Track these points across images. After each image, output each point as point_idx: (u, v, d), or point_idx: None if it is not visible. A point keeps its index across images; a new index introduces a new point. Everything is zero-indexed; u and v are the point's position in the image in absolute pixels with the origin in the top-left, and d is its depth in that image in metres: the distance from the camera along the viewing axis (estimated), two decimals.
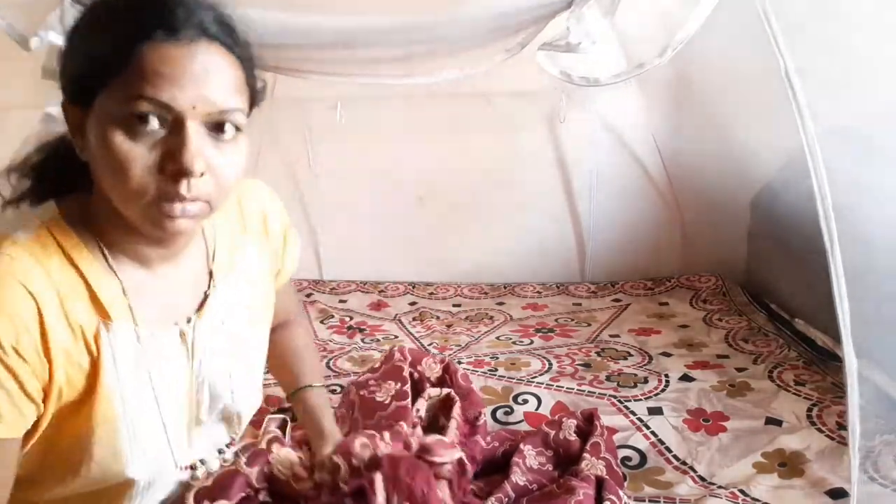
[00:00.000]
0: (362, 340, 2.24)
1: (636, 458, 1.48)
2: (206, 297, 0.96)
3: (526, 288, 2.69)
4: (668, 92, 2.50)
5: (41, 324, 0.77)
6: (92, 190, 0.83)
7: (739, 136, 2.19)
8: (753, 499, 1.35)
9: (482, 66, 1.24)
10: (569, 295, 2.61)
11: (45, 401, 0.80)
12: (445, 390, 1.47)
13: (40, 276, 0.77)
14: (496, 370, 1.92)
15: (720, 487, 1.39)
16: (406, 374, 1.48)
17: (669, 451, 1.53)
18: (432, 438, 1.14)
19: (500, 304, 2.57)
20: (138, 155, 0.74)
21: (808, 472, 1.41)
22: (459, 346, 2.13)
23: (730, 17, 1.35)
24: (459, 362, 1.98)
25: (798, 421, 1.59)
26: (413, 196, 2.72)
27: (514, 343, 2.14)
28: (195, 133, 0.75)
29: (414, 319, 2.44)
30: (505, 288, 2.70)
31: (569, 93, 2.51)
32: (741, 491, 1.37)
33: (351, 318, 2.46)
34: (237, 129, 0.80)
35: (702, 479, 1.41)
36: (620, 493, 1.25)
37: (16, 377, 0.76)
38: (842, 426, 1.53)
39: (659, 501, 1.34)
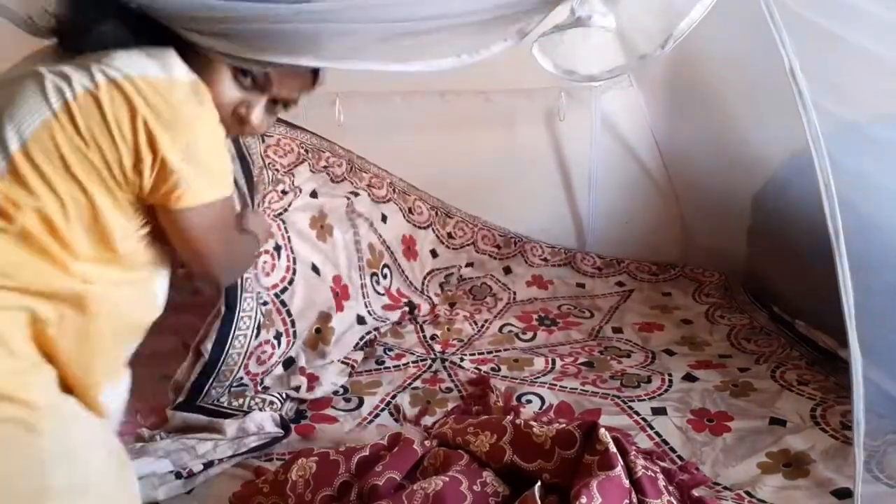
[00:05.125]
0: None
1: None
2: None
3: (536, 249, 2.61)
4: (667, 89, 2.49)
5: None
6: None
7: (740, 134, 2.18)
8: (759, 500, 1.36)
9: (480, 55, 1.21)
10: (574, 269, 2.57)
11: None
12: None
13: None
14: (499, 369, 1.92)
15: (725, 489, 1.40)
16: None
17: (674, 451, 1.53)
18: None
19: (507, 270, 2.53)
20: None
21: (813, 473, 1.42)
22: (462, 341, 2.11)
23: (731, 11, 1.34)
24: (462, 359, 1.97)
25: (802, 421, 1.59)
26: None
27: (516, 337, 2.13)
28: None
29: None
30: (515, 245, 2.63)
31: (568, 90, 2.50)
32: (747, 493, 1.37)
33: None
34: None
35: None
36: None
37: None
38: (846, 426, 1.54)
39: None
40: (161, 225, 1.01)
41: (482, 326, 2.21)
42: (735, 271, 2.42)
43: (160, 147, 0.94)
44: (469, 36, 1.17)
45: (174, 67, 0.98)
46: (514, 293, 2.43)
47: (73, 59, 0.96)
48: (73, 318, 0.94)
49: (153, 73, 0.96)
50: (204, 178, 0.99)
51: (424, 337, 2.14)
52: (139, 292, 1.04)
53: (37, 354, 0.92)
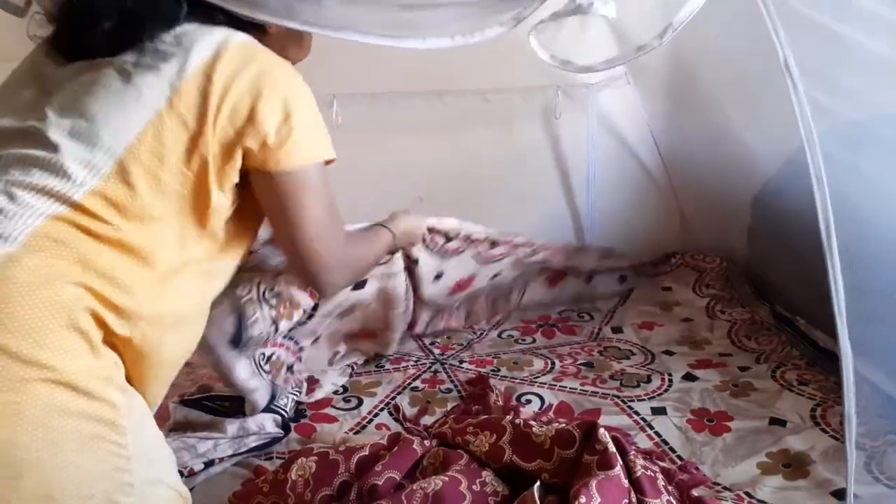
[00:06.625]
0: None
1: None
2: None
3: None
4: (665, 88, 2.48)
5: None
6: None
7: (739, 134, 2.18)
8: (759, 500, 1.36)
9: (475, 38, 1.20)
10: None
11: None
12: None
13: None
14: (499, 370, 1.92)
15: (725, 489, 1.40)
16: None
17: (673, 451, 1.53)
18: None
19: None
20: None
21: (813, 473, 1.42)
22: (461, 345, 2.12)
23: (731, 8, 1.33)
24: (462, 362, 1.98)
25: (802, 421, 1.59)
26: (412, 195, 2.69)
27: (515, 342, 2.13)
28: None
29: None
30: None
31: (564, 89, 2.49)
32: (747, 493, 1.37)
33: None
34: None
35: None
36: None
37: None
38: None
39: None
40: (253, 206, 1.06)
41: (481, 334, 2.20)
42: (736, 264, 2.41)
43: (259, 109, 0.96)
44: (465, 19, 1.18)
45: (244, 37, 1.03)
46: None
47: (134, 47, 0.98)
48: (149, 332, 0.97)
49: (234, 40, 0.99)
50: (303, 138, 1.00)
51: (423, 344, 2.14)
52: (205, 306, 1.10)
53: (113, 353, 0.95)
